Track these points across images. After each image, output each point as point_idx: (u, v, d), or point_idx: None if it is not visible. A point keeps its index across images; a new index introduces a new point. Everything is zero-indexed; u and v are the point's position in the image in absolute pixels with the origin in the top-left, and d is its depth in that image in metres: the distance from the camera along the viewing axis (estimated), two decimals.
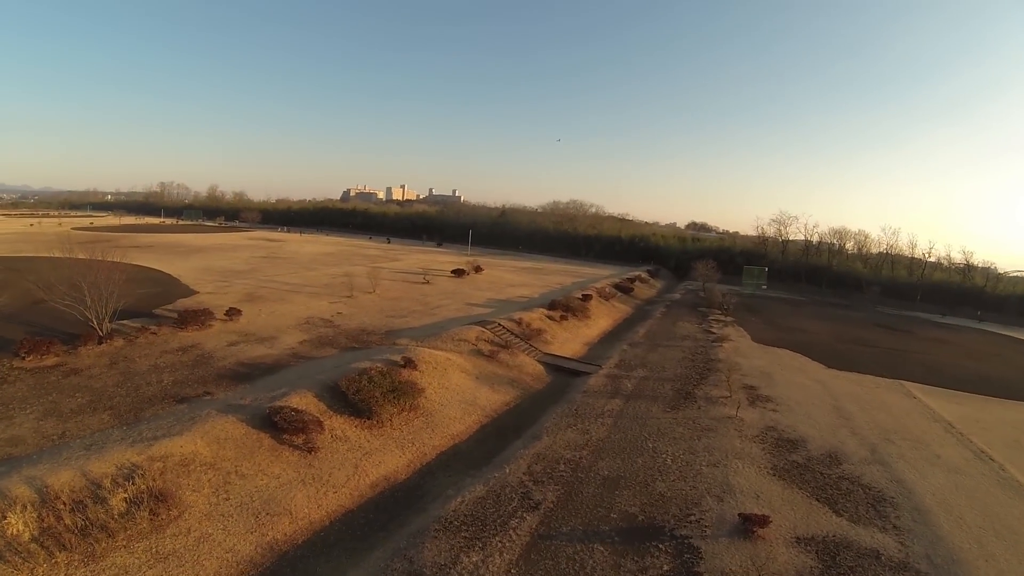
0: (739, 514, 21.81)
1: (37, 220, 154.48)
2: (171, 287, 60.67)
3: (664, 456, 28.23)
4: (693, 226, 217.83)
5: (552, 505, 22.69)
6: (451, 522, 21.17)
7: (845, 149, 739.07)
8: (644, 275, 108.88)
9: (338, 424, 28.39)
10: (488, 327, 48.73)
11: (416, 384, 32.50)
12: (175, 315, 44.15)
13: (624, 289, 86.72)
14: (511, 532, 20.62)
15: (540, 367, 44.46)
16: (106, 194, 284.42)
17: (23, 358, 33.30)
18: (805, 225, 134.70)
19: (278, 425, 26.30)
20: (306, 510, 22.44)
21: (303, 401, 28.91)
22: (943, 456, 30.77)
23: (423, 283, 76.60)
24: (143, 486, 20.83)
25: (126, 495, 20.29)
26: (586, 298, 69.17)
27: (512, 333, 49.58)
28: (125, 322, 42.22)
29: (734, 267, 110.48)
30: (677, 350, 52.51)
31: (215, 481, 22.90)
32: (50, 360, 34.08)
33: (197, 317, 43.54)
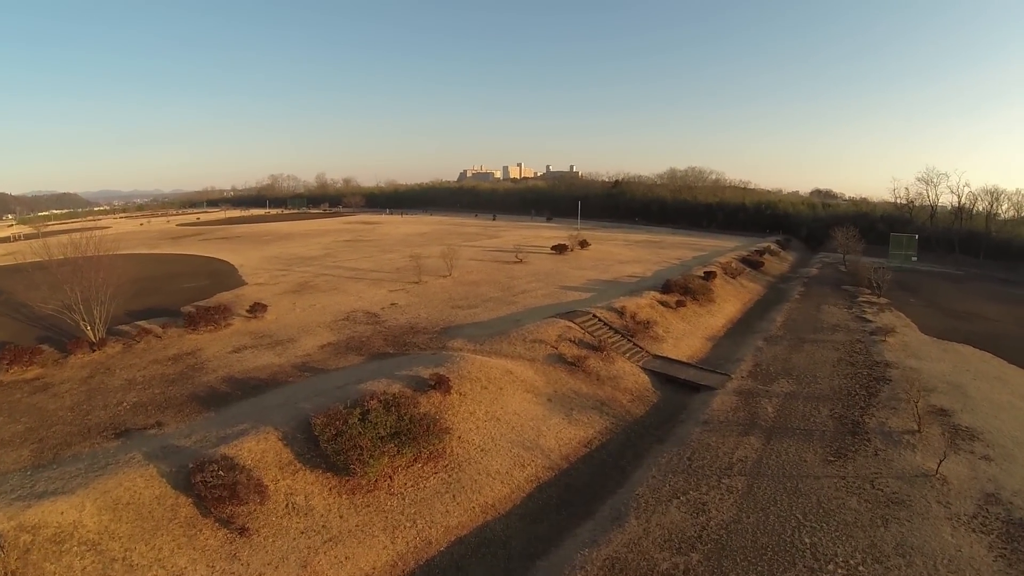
0: None
1: (147, 220, 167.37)
2: (223, 279, 58.18)
3: (831, 565, 16.95)
4: (817, 193, 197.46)
5: None
6: None
7: (998, 103, 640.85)
8: (773, 246, 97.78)
9: (302, 486, 19.70)
10: (578, 320, 38.01)
11: (439, 421, 22.84)
12: (196, 310, 40.22)
13: (752, 264, 76.66)
14: None
15: (645, 378, 33.23)
16: (223, 191, 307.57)
17: (5, 370, 30.99)
18: (957, 184, 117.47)
19: (197, 490, 18.21)
20: None
21: (259, 447, 20.67)
22: None
23: (515, 262, 67.83)
24: None
25: None
26: (709, 276, 58.40)
27: (610, 327, 38.47)
28: (141, 323, 39.25)
29: (874, 235, 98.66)
30: (828, 347, 40.25)
31: (90, 572, 15.99)
32: (32, 372, 31.91)
33: (212, 317, 39.39)
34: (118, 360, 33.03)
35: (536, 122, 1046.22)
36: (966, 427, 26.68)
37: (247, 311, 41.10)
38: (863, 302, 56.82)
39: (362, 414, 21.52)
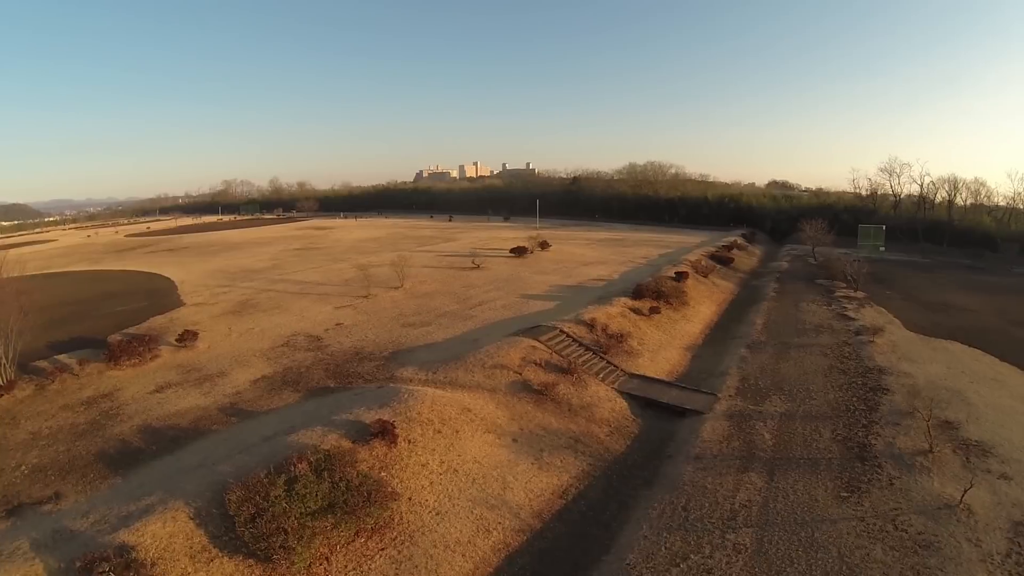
0: None
1: (95, 230, 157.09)
2: (160, 299, 53.32)
3: None
4: (775, 184, 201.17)
5: None
6: None
7: (953, 91, 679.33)
8: (740, 240, 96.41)
9: None
10: (543, 338, 34.70)
11: (384, 484, 19.27)
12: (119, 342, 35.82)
13: (722, 260, 74.55)
14: None
15: (623, 403, 29.87)
16: (177, 198, 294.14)
17: None
18: (920, 173, 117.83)
19: None
20: None
21: (166, 530, 16.84)
22: None
23: (471, 268, 64.25)
24: None
25: None
26: (680, 277, 55.36)
27: (580, 344, 35.24)
28: (60, 357, 35.22)
29: (839, 226, 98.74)
30: (816, 353, 37.87)
31: None
32: None
33: (136, 349, 35.13)
34: (27, 406, 28.82)
35: (492, 120, 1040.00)
36: (976, 441, 24.49)
37: (177, 340, 36.77)
38: (841, 297, 55.35)
39: (288, 483, 17.74)
